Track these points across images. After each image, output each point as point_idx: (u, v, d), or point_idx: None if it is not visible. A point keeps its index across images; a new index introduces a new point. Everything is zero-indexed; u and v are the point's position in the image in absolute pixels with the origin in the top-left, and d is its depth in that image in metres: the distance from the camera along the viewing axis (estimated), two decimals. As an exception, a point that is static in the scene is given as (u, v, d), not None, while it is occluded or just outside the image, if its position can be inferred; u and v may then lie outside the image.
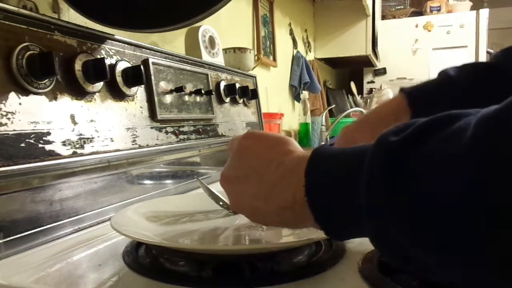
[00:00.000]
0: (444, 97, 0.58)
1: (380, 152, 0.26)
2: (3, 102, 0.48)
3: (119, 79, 0.67)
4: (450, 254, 0.23)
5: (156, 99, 0.76)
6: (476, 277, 0.23)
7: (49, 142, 0.53)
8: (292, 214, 0.33)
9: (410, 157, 0.24)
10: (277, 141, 0.38)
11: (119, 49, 0.70)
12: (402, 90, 0.62)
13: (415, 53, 3.54)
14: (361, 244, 0.46)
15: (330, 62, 3.24)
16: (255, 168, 0.37)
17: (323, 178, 0.30)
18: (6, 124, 0.48)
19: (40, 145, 0.52)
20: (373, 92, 3.58)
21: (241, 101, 1.13)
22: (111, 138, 0.64)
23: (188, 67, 0.90)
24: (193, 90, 0.90)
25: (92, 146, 0.60)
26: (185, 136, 0.85)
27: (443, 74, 0.61)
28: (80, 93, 0.60)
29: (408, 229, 0.24)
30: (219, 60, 1.17)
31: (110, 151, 0.63)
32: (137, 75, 0.69)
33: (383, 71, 3.62)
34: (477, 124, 0.21)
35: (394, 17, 3.76)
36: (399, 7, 3.89)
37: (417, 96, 0.59)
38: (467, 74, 0.60)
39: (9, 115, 0.49)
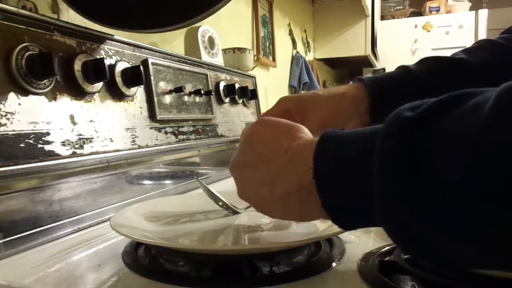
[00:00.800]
0: (403, 84, 0.56)
1: (394, 128, 0.25)
2: (3, 102, 0.48)
3: (118, 79, 0.67)
4: (466, 238, 0.22)
5: (155, 99, 0.76)
6: (490, 260, 0.23)
7: (48, 142, 0.53)
8: (298, 201, 0.32)
9: (426, 132, 0.23)
10: (288, 127, 0.37)
11: (119, 49, 0.70)
12: (359, 79, 0.59)
13: (415, 53, 3.54)
14: (361, 244, 0.46)
15: (330, 62, 3.25)
16: (263, 153, 0.36)
17: (332, 159, 0.29)
18: (5, 124, 0.48)
19: (40, 145, 0.52)
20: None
21: (240, 101, 1.13)
22: (111, 138, 0.64)
23: (187, 67, 0.90)
24: (192, 91, 0.90)
25: (92, 146, 0.60)
26: (185, 136, 0.85)
27: (402, 66, 0.60)
28: (79, 93, 0.60)
29: (422, 210, 0.23)
30: (219, 60, 1.17)
31: (109, 151, 0.63)
32: (136, 75, 0.69)
33: (382, 72, 3.62)
34: (497, 97, 0.21)
35: (393, 18, 3.76)
36: (398, 8, 3.90)
37: (373, 82, 0.56)
38: (427, 67, 0.58)
39: (9, 115, 0.49)
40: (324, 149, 0.30)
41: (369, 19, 2.85)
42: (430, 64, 0.58)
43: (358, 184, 0.27)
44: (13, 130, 0.49)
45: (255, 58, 1.74)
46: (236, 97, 1.09)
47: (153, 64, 0.77)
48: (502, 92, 0.21)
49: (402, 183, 0.24)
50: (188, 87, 0.88)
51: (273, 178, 0.34)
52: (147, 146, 0.72)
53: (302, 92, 2.31)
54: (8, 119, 0.48)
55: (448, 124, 0.23)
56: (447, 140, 0.22)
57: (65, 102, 0.57)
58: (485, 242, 0.22)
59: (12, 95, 0.50)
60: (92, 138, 0.60)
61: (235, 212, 0.56)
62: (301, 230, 0.49)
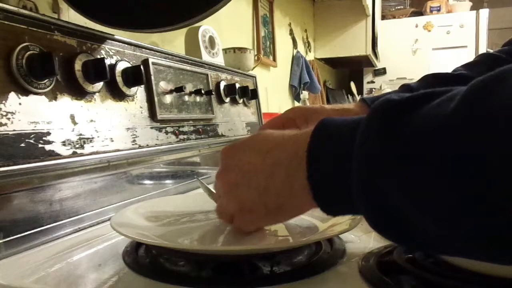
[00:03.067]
0: None
1: (380, 109, 0.27)
2: (3, 102, 0.48)
3: (119, 79, 0.67)
4: (442, 213, 0.23)
5: (156, 99, 0.76)
6: (464, 241, 0.24)
7: (49, 142, 0.53)
8: (285, 172, 0.33)
9: (407, 113, 0.26)
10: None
11: (119, 49, 0.70)
12: (362, 99, 0.62)
13: (415, 53, 3.54)
14: (361, 244, 0.46)
15: (330, 62, 3.25)
16: (268, 137, 0.38)
17: (326, 134, 0.31)
18: (6, 124, 0.48)
19: (40, 145, 0.52)
20: (373, 92, 3.58)
21: (241, 101, 1.13)
22: (111, 138, 0.64)
23: (188, 67, 0.90)
24: (193, 90, 0.90)
25: (92, 146, 0.60)
26: (185, 136, 0.85)
27: (404, 85, 0.62)
28: (80, 93, 0.60)
29: (398, 183, 0.25)
30: (219, 60, 1.17)
31: (110, 151, 0.63)
32: (137, 75, 0.69)
33: (383, 71, 3.62)
34: (467, 88, 0.24)
35: (394, 17, 3.76)
36: (399, 7, 3.89)
37: (375, 101, 0.59)
38: (427, 83, 0.60)
39: (9, 115, 0.49)
40: (323, 127, 0.32)
41: (370, 18, 2.85)
42: (430, 81, 0.60)
43: (342, 157, 0.29)
44: (14, 130, 0.49)
45: (256, 58, 1.74)
46: (237, 97, 1.09)
47: (153, 64, 0.77)
48: (469, 86, 0.24)
49: (380, 155, 0.26)
50: (189, 87, 0.88)
51: (272, 147, 0.36)
52: (147, 146, 0.72)
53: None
54: (8, 119, 0.48)
55: (426, 109, 0.25)
56: (422, 120, 0.25)
57: (66, 102, 0.57)
58: (456, 219, 0.23)
59: (12, 95, 0.50)
60: (92, 138, 0.60)
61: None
62: (301, 230, 0.49)
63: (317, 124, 0.32)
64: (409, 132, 0.25)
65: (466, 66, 0.63)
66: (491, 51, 0.67)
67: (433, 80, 0.60)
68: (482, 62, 0.63)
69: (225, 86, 1.04)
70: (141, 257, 0.45)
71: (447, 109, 0.23)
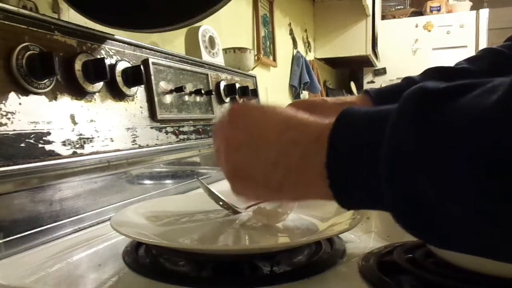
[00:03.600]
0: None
1: (414, 96, 0.26)
2: (3, 102, 0.48)
3: (119, 79, 0.67)
4: (473, 209, 0.22)
5: (156, 99, 0.76)
6: (493, 239, 0.23)
7: (49, 142, 0.53)
8: (300, 152, 0.31)
9: (444, 103, 0.24)
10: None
11: (119, 49, 0.70)
12: (365, 91, 0.61)
13: (415, 53, 3.54)
14: (361, 244, 0.46)
15: (330, 62, 3.25)
16: (289, 111, 0.35)
17: (350, 126, 0.30)
18: (6, 124, 0.48)
19: (40, 145, 0.52)
20: (373, 92, 3.57)
21: (241, 101, 1.13)
22: (111, 138, 0.64)
23: (188, 67, 0.90)
24: (193, 90, 0.90)
25: (92, 146, 0.60)
26: (185, 136, 0.85)
27: (407, 77, 0.62)
28: (80, 93, 0.60)
29: (431, 175, 0.24)
30: (219, 60, 1.17)
31: (110, 151, 0.63)
32: (137, 75, 0.69)
33: (383, 71, 3.62)
34: (511, 80, 0.22)
35: (394, 17, 3.76)
36: (399, 7, 3.89)
37: (378, 93, 0.58)
38: (430, 76, 0.60)
39: (9, 115, 0.49)
40: (346, 115, 0.30)
41: (370, 18, 2.84)
42: (433, 74, 0.60)
43: (364, 147, 0.27)
44: (14, 130, 0.49)
45: (256, 58, 1.74)
46: (237, 97, 1.09)
47: (153, 63, 0.77)
48: None
49: (415, 145, 0.24)
50: (189, 87, 0.88)
51: (292, 127, 0.33)
52: (147, 146, 0.72)
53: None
54: (8, 118, 0.48)
55: (465, 100, 0.24)
56: (460, 111, 0.23)
57: (66, 102, 0.57)
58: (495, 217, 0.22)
59: (12, 95, 0.50)
60: (92, 138, 0.60)
61: (235, 212, 0.56)
62: (301, 230, 0.49)
63: (340, 113, 0.30)
64: (447, 122, 0.23)
65: (469, 60, 0.63)
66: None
67: (436, 73, 0.60)
68: (484, 56, 0.63)
69: (225, 86, 1.04)
70: (141, 257, 0.45)
71: (488, 100, 0.22)
